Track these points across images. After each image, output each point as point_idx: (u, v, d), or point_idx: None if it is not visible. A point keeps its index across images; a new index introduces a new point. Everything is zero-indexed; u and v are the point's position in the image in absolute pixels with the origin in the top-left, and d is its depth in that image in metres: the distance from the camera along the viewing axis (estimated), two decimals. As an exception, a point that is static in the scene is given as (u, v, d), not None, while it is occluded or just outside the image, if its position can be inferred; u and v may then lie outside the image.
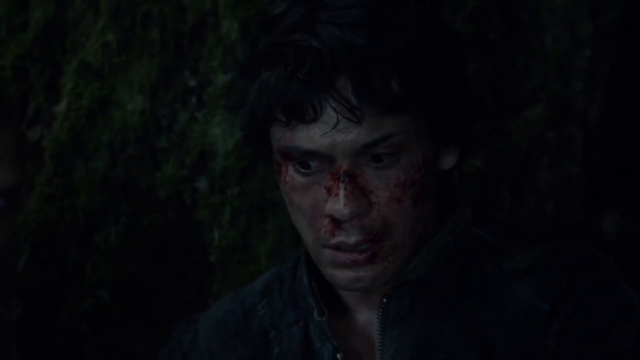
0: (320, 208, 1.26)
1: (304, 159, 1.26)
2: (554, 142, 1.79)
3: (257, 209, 1.85)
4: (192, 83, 1.88)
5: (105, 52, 1.90)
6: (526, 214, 1.80)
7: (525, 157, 1.80)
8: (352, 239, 1.25)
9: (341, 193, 1.23)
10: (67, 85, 1.91)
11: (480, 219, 1.44)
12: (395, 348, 1.33)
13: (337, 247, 1.27)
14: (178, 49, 1.89)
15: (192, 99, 1.88)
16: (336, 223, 1.25)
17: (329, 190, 1.25)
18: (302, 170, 1.27)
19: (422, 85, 1.22)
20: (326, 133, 1.21)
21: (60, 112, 1.92)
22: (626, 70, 1.78)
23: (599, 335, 1.26)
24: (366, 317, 1.40)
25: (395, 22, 1.23)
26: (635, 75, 1.78)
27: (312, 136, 1.23)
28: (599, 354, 1.26)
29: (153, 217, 1.89)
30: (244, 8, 1.83)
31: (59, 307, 1.90)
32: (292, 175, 1.28)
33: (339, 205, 1.23)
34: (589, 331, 1.27)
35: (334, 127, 1.21)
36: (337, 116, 1.20)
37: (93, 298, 1.88)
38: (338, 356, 1.37)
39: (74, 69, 1.90)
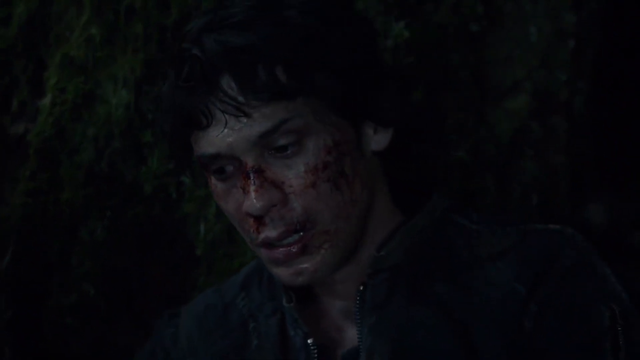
0: (242, 209, 1.27)
1: (213, 164, 1.28)
2: (538, 132, 1.78)
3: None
4: (176, 77, 1.88)
5: (89, 46, 1.90)
6: (511, 204, 1.80)
7: (509, 148, 1.79)
8: (274, 233, 1.27)
9: (251, 189, 1.25)
10: (51, 80, 1.92)
11: (458, 206, 1.43)
12: (374, 336, 1.33)
13: (268, 245, 1.28)
14: (162, 42, 1.89)
15: (177, 93, 1.88)
16: (258, 220, 1.27)
17: (243, 190, 1.26)
18: (219, 176, 1.29)
19: (309, 69, 1.23)
20: (219, 134, 1.24)
21: (44, 107, 1.92)
22: (610, 60, 1.76)
23: (576, 316, 1.26)
24: (339, 304, 1.40)
25: (279, 17, 1.24)
26: (619, 65, 1.77)
27: (211, 140, 1.25)
28: (575, 335, 1.25)
29: (138, 211, 1.89)
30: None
31: (44, 301, 1.90)
32: (214, 183, 1.31)
33: (250, 201, 1.25)
34: (565, 313, 1.26)
35: (225, 126, 1.23)
36: (225, 116, 1.22)
37: (78, 292, 1.89)
38: (309, 342, 1.37)
39: (58, 63, 1.91)
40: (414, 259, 1.36)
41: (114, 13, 1.90)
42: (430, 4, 1.77)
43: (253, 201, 1.24)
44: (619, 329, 1.24)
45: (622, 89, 1.76)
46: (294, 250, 1.27)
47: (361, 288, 1.35)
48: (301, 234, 1.27)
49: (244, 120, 1.22)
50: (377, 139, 1.34)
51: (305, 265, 1.29)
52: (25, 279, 1.90)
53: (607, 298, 1.27)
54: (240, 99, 1.21)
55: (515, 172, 1.78)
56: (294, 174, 1.25)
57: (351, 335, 1.37)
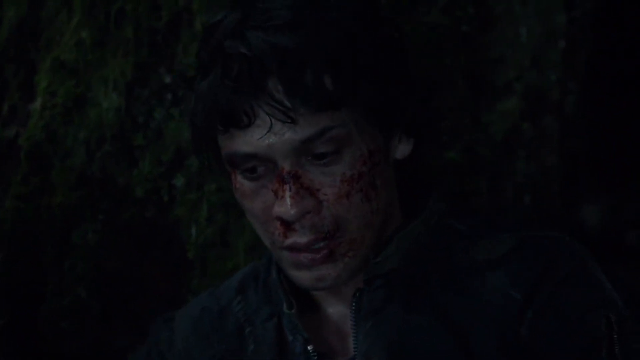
0: (270, 211, 1.27)
1: (246, 163, 1.26)
2: (530, 133, 1.78)
3: (235, 205, 1.82)
4: (167, 80, 1.87)
5: (80, 49, 1.89)
6: (504, 205, 1.80)
7: (501, 149, 1.79)
8: (304, 239, 1.26)
9: (286, 194, 1.23)
10: (42, 84, 1.91)
11: (455, 210, 1.44)
12: (369, 342, 1.33)
13: (293, 248, 1.27)
14: (153, 45, 1.88)
15: (168, 96, 1.88)
16: (287, 224, 1.26)
17: (275, 193, 1.25)
18: (249, 175, 1.28)
19: (355, 79, 1.23)
20: (262, 136, 1.22)
21: (35, 110, 1.92)
22: (602, 60, 1.77)
23: (572, 324, 1.26)
24: (338, 310, 1.40)
25: (325, 20, 1.23)
26: (611, 65, 1.77)
27: (249, 140, 1.23)
28: (571, 342, 1.25)
29: (130, 214, 1.89)
30: (218, 4, 1.83)
31: (39, 305, 1.90)
32: (240, 181, 1.29)
33: (285, 206, 1.23)
34: (561, 320, 1.26)
35: (269, 129, 1.21)
36: (271, 119, 1.21)
37: (72, 295, 1.88)
38: (309, 348, 1.37)
39: (49, 67, 1.90)
40: (411, 264, 1.36)
41: (105, 16, 1.89)
42: (422, 6, 1.77)
43: (288, 207, 1.23)
44: (615, 336, 1.23)
45: (613, 88, 1.76)
46: (318, 256, 1.27)
47: (357, 294, 1.35)
48: (327, 241, 1.27)
49: (289, 125, 1.21)
50: (401, 149, 1.35)
51: (328, 272, 1.29)
52: (19, 283, 1.89)
53: (604, 306, 1.27)
54: (287, 103, 1.20)
55: (508, 173, 1.79)
56: (329, 182, 1.25)
57: (351, 344, 1.36)
